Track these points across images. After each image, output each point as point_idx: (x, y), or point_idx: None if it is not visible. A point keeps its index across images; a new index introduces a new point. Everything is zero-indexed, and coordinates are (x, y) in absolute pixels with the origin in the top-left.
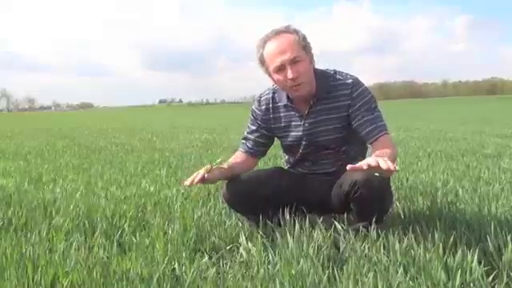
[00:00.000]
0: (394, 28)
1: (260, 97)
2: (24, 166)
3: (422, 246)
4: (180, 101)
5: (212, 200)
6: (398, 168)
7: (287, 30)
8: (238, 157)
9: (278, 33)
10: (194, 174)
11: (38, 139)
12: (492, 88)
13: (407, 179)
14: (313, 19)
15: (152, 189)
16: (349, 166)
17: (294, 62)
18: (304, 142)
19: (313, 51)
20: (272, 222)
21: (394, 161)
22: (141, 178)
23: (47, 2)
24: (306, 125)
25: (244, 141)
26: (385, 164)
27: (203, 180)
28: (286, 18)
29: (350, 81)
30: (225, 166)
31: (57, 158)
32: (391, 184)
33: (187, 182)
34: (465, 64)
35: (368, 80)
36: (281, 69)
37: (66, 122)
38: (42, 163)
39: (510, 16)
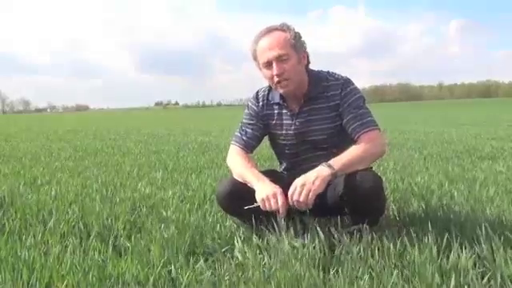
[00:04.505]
0: (390, 31)
1: (257, 93)
2: (19, 168)
3: (416, 249)
4: (176, 103)
5: (207, 203)
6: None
7: (280, 28)
8: (243, 156)
9: (270, 30)
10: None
11: (34, 142)
12: (487, 90)
13: (403, 181)
14: (309, 22)
15: (148, 191)
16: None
17: (280, 59)
18: (295, 141)
19: (307, 50)
20: (267, 225)
21: (364, 159)
22: (136, 181)
23: (45, 2)
24: (297, 123)
25: (239, 134)
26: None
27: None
28: (282, 20)
29: (340, 81)
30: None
31: (52, 160)
32: (385, 187)
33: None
34: (460, 66)
35: (363, 83)
36: (268, 65)
37: (62, 124)
38: (37, 166)
39: (504, 20)
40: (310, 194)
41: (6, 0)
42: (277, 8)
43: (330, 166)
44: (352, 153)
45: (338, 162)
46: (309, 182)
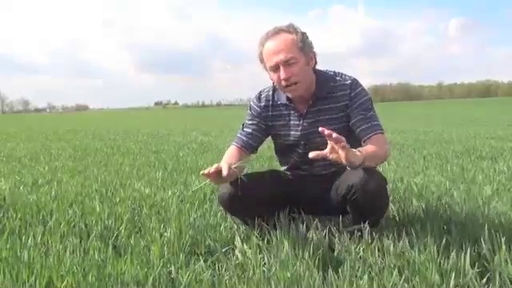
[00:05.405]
0: (390, 31)
1: (260, 93)
2: (19, 168)
3: (416, 249)
4: (176, 103)
5: (207, 202)
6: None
7: (287, 30)
8: (233, 154)
9: (277, 32)
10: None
11: (33, 142)
12: (486, 90)
13: (402, 181)
14: (309, 21)
15: (147, 191)
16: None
17: (287, 63)
18: (302, 142)
19: (314, 50)
20: (268, 225)
21: (376, 159)
22: (136, 181)
23: (45, 2)
24: (305, 124)
25: (240, 135)
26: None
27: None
28: (281, 20)
29: (349, 81)
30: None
31: (52, 160)
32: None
33: (205, 171)
34: (460, 66)
35: (364, 82)
36: (276, 68)
37: (62, 124)
38: (37, 166)
39: (504, 19)
40: (341, 153)
41: (5, 0)
42: (277, 7)
43: (360, 152)
44: (369, 149)
45: (364, 151)
46: (345, 151)
